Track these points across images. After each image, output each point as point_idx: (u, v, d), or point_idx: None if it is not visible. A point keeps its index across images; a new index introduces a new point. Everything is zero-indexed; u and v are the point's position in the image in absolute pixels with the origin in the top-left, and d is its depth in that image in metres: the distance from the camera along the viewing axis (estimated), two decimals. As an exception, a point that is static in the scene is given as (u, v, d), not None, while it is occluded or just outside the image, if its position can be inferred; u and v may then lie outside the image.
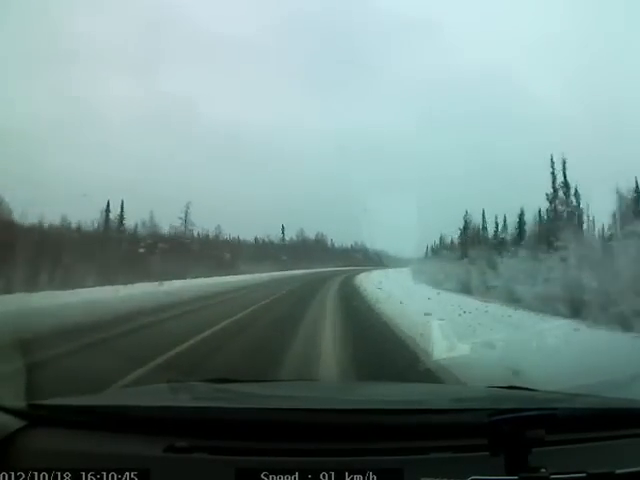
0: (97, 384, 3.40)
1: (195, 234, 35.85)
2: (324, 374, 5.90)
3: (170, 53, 63.23)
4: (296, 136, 56.47)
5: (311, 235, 51.62)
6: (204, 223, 36.30)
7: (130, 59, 54.12)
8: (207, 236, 38.03)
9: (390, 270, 36.58)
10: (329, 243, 54.53)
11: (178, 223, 34.13)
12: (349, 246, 55.92)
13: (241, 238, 42.73)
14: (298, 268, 39.20)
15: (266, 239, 46.73)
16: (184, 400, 1.98)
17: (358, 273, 34.94)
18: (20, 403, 1.69)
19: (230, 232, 40.78)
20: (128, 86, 54.61)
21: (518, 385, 2.38)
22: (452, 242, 31.94)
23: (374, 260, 49.33)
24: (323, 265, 45.44)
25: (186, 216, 34.48)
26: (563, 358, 5.89)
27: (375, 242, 46.08)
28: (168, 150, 47.67)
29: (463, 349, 4.72)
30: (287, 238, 48.06)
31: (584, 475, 1.35)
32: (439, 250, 33.20)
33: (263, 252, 42.04)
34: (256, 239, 45.71)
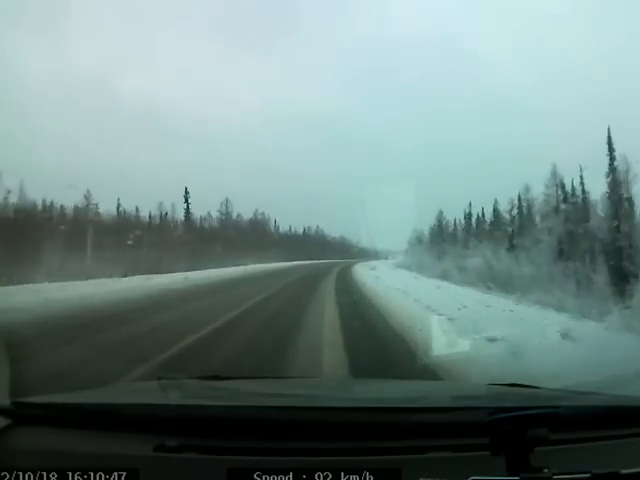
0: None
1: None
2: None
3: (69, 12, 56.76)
4: (224, 106, 53.91)
5: (247, 214, 36.47)
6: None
7: (31, 17, 48.58)
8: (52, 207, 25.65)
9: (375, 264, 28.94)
10: (272, 226, 39.66)
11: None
12: (300, 232, 42.79)
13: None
14: (208, 266, 24.48)
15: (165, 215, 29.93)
16: (175, 398, 1.94)
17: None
18: (4, 401, 1.66)
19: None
20: (28, 49, 49.40)
21: (520, 382, 2.33)
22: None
23: (338, 249, 37.43)
24: (260, 258, 31.30)
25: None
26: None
27: (335, 228, 37.68)
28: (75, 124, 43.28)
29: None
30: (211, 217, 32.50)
31: (588, 475, 1.32)
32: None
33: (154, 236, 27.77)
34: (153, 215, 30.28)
